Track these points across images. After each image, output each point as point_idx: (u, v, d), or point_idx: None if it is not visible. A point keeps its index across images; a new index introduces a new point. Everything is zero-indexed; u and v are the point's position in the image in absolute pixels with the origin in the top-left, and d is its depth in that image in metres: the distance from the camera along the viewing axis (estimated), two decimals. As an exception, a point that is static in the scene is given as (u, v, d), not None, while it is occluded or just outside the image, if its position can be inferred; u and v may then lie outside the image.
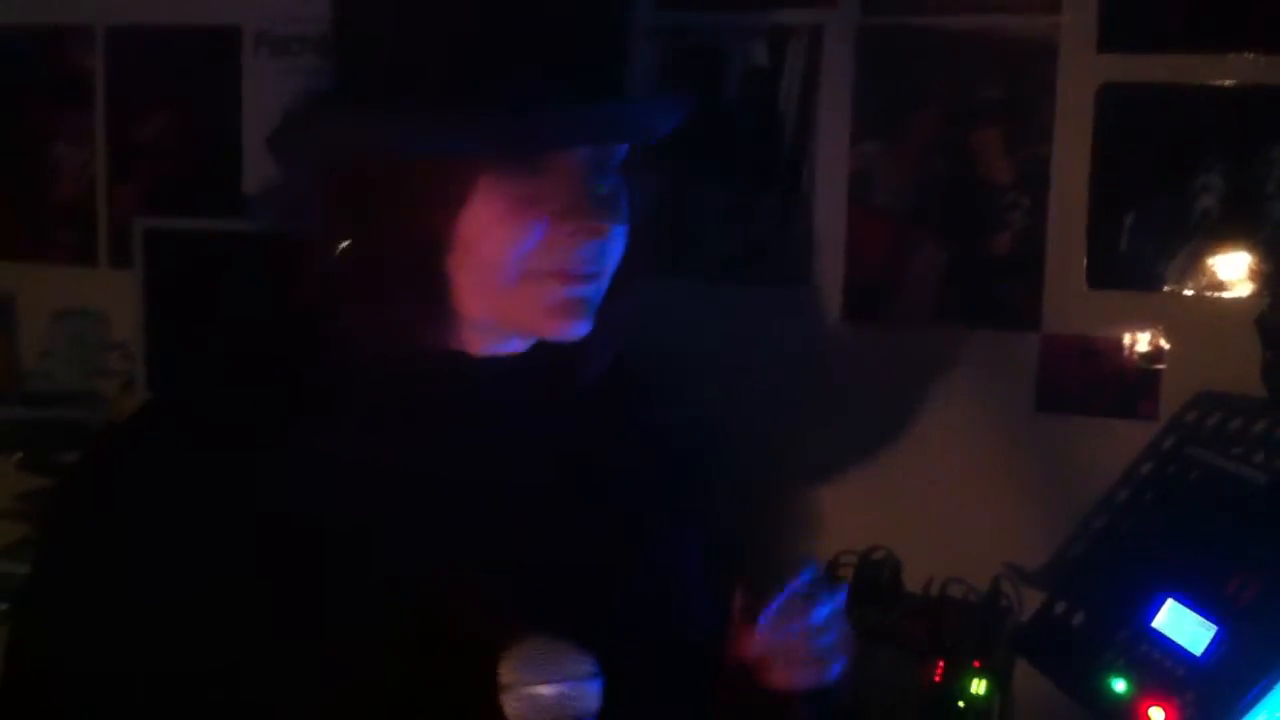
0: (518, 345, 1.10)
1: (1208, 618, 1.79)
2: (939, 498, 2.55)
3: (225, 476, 0.98)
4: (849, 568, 2.56)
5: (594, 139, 1.01)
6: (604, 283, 1.06)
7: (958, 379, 2.55)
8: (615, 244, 1.05)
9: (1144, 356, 2.44)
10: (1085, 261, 2.46)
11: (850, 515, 2.61)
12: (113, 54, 3.08)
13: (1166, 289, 2.42)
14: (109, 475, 1.02)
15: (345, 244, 1.01)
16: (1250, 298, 2.37)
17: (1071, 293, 2.47)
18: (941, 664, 2.30)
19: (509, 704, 0.94)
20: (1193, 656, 1.77)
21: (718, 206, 2.70)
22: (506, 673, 0.95)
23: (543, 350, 1.10)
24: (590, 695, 0.95)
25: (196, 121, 3.03)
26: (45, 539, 1.06)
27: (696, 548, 1.26)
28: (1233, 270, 2.37)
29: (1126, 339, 2.45)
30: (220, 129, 2.99)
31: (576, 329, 1.04)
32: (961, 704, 2.27)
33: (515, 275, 1.00)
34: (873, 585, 2.51)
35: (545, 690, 0.94)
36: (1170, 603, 1.86)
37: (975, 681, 2.27)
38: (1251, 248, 2.37)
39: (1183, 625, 1.82)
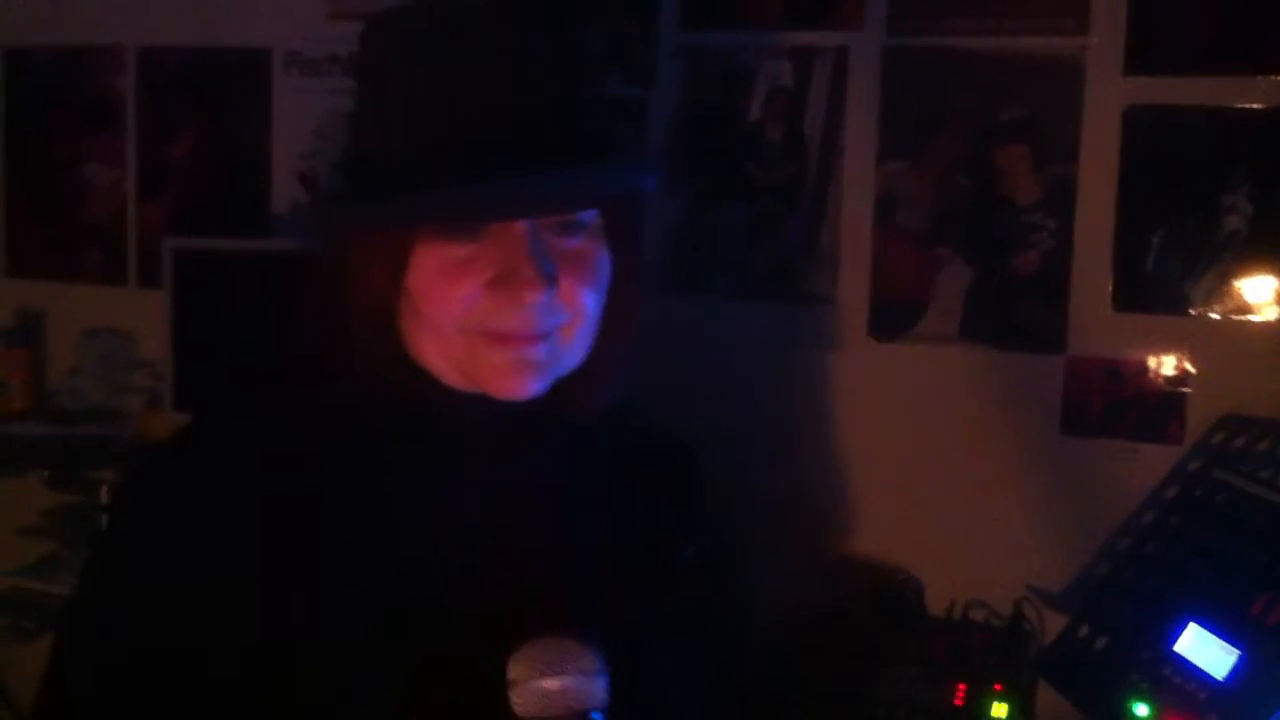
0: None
1: (1231, 641, 1.78)
2: (962, 519, 2.54)
3: (263, 499, 1.04)
4: (871, 589, 2.55)
5: (516, 214, 1.01)
6: (559, 343, 1.07)
7: (982, 400, 2.54)
8: (570, 305, 1.05)
9: (1170, 379, 2.42)
10: (1111, 283, 2.45)
11: (873, 536, 2.61)
12: (143, 75, 3.11)
13: (1193, 311, 2.40)
14: (159, 497, 1.07)
15: (326, 294, 1.10)
16: (1277, 320, 2.35)
17: (1097, 315, 2.46)
18: (963, 687, 2.28)
19: (516, 699, 0.96)
20: (1215, 680, 1.76)
21: (742, 226, 2.70)
22: (514, 669, 0.97)
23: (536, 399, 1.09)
24: (597, 689, 0.97)
25: (226, 142, 3.06)
26: (101, 557, 1.10)
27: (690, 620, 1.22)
28: (1259, 292, 2.35)
29: (1152, 361, 2.43)
30: (250, 150, 3.02)
31: (521, 389, 1.06)
32: (983, 728, 2.26)
33: (458, 334, 1.04)
34: (894, 607, 2.50)
35: (551, 684, 0.96)
36: (1193, 626, 1.85)
37: (997, 705, 2.25)
38: (1278, 269, 2.35)
39: (1206, 649, 1.81)
